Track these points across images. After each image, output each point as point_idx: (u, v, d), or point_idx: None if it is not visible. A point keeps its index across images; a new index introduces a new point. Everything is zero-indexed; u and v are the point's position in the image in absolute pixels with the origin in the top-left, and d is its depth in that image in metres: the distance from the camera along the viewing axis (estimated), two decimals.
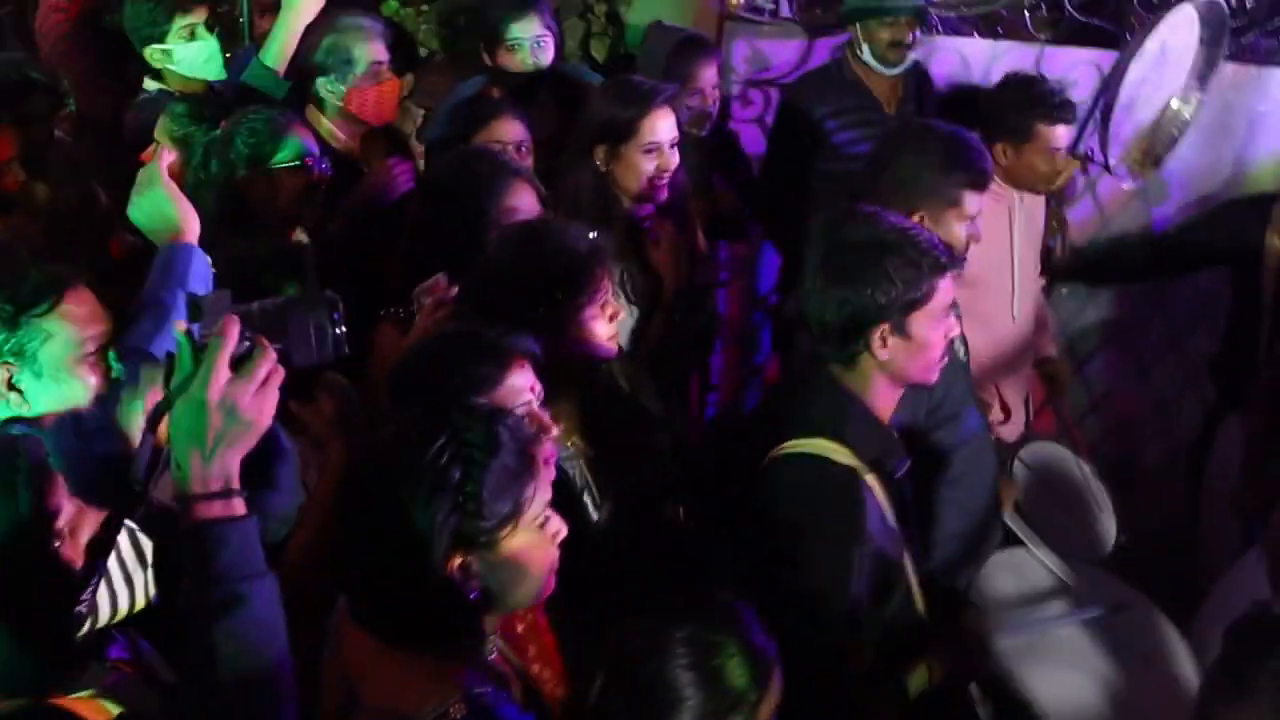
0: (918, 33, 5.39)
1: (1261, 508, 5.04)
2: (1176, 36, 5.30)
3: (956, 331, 3.37)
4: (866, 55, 5.33)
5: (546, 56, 5.15)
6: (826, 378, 3.28)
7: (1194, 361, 6.04)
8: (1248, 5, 6.02)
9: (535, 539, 2.38)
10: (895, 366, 3.23)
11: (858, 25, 5.33)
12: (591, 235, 3.44)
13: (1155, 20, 5.18)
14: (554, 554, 2.44)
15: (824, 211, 4.93)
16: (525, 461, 2.36)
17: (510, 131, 4.54)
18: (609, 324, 3.41)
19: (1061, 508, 4.77)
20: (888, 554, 3.27)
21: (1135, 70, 5.11)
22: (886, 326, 3.18)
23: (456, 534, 2.27)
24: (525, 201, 3.89)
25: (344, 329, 2.38)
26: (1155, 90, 5.41)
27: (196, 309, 2.29)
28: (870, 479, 3.21)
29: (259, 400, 2.22)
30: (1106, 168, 5.42)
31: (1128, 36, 5.86)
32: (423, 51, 5.72)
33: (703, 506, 3.74)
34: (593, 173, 4.23)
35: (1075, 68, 5.96)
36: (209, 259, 3.34)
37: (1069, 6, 5.96)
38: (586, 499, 3.37)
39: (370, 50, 4.77)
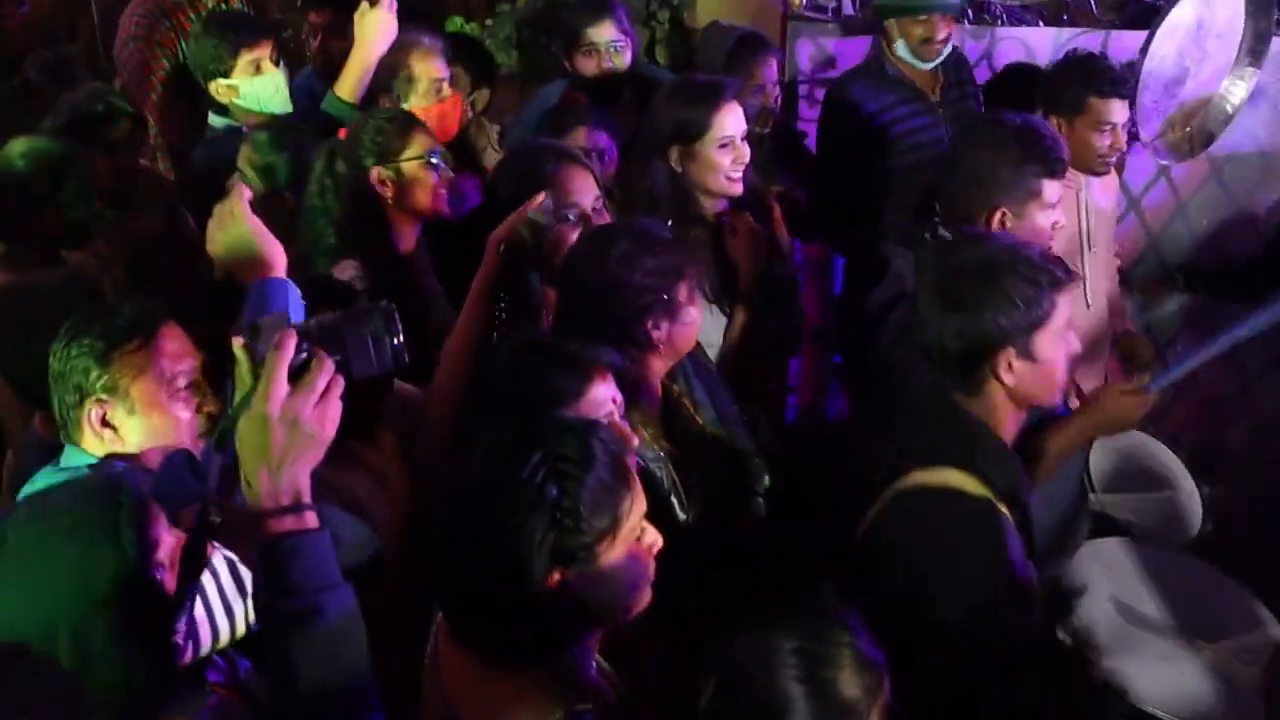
0: (954, 28, 5.33)
1: None
2: (1214, 11, 5.23)
3: (1078, 348, 3.26)
4: (901, 50, 5.30)
5: (624, 60, 5.19)
6: (950, 406, 3.18)
7: (1275, 340, 5.98)
8: None
9: (632, 552, 2.35)
10: (1021, 390, 3.14)
11: (893, 20, 5.31)
12: (672, 230, 3.48)
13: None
14: (651, 566, 2.41)
15: (899, 215, 5.03)
16: (620, 474, 2.33)
17: (593, 139, 4.58)
18: (698, 313, 3.45)
19: (1143, 491, 4.75)
20: (1028, 584, 3.17)
21: (1165, 44, 5.07)
22: (1011, 350, 3.09)
23: (555, 550, 2.23)
24: (584, 188, 3.91)
25: (401, 339, 2.39)
26: (1201, 65, 5.34)
27: (255, 330, 2.32)
28: (1004, 509, 3.11)
29: (321, 411, 2.24)
30: (1137, 138, 5.37)
31: None
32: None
33: (787, 511, 3.74)
34: (667, 174, 4.24)
35: None
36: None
37: None
38: (674, 500, 3.37)
39: (430, 68, 4.79)
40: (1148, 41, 5.13)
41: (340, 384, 2.28)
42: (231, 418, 2.27)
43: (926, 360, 3.21)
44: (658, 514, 2.57)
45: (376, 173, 4.11)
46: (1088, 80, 4.77)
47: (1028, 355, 3.09)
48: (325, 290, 3.45)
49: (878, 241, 4.67)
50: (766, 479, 3.63)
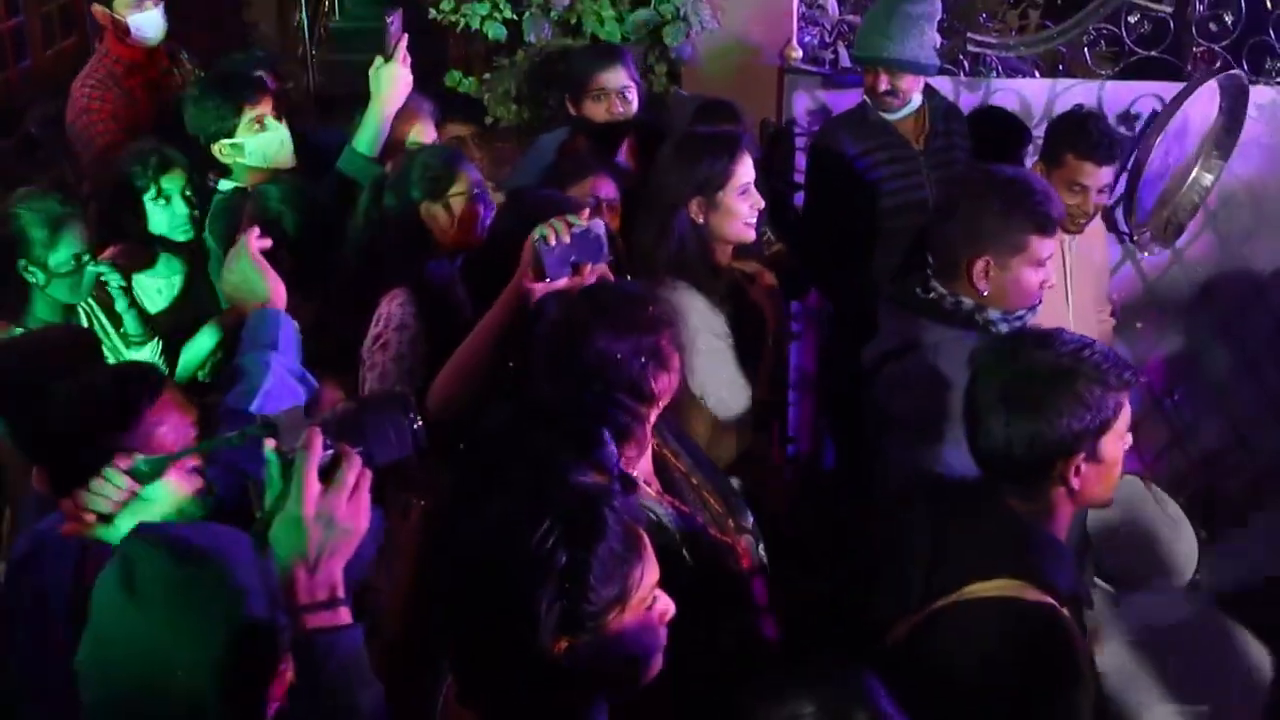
0: (916, 80, 5.31)
1: None
2: (1196, 108, 5.31)
3: (1129, 441, 3.17)
4: (866, 97, 5.36)
5: (632, 108, 5.23)
6: (1006, 509, 3.08)
7: (1272, 389, 6.03)
8: None
9: (643, 620, 2.35)
10: (1084, 492, 3.07)
11: (868, 72, 5.33)
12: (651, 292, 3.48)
13: (1180, 99, 5.20)
14: (662, 634, 2.40)
15: (887, 264, 5.06)
16: (631, 543, 2.32)
17: (603, 188, 4.61)
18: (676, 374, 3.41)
19: (1140, 541, 4.78)
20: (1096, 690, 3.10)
21: (1160, 148, 5.15)
22: (1081, 455, 3.01)
23: (563, 619, 2.23)
24: None
25: (420, 423, 2.44)
26: (1176, 160, 5.41)
27: (273, 427, 2.34)
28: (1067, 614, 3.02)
29: (354, 507, 2.28)
30: (1131, 239, 5.46)
31: (1188, 68, 5.89)
32: (487, 120, 5.82)
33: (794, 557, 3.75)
34: (691, 228, 4.27)
35: (1137, 101, 5.99)
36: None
37: (1128, 41, 5.98)
38: (684, 551, 3.38)
39: (416, 131, 4.93)
40: (1148, 145, 5.19)
41: (368, 476, 2.31)
42: (264, 520, 2.30)
43: (977, 457, 3.13)
44: (669, 566, 2.59)
45: (425, 207, 4.25)
46: (1070, 137, 4.82)
47: (1095, 458, 3.03)
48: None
49: (868, 291, 4.71)
50: (750, 516, 3.63)
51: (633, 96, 5.23)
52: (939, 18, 5.37)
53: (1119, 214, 5.76)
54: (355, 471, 2.29)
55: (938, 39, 5.32)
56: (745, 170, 4.25)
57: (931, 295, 3.88)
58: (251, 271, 3.56)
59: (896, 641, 3.02)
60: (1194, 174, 5.71)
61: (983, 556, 3.01)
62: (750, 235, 4.31)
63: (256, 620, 2.32)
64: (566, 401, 3.26)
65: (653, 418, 3.40)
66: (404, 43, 4.83)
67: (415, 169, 4.29)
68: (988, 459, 3.09)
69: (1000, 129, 5.78)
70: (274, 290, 3.56)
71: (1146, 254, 5.96)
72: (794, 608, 3.57)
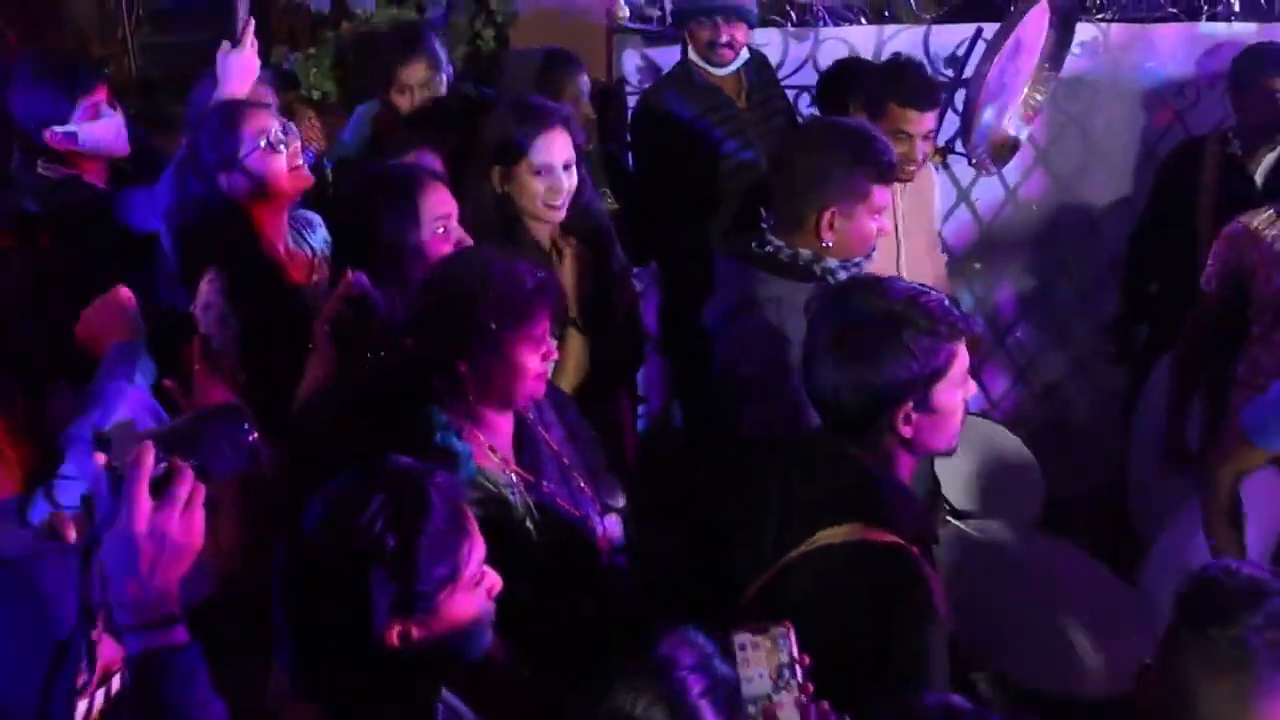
0: (744, 31, 5.34)
1: (1188, 457, 5.18)
2: (1029, 29, 5.35)
3: (974, 391, 3.18)
4: (693, 55, 5.34)
5: (439, 91, 5.15)
6: (845, 457, 3.05)
7: (1107, 320, 6.16)
8: None
9: (473, 597, 2.36)
10: (918, 440, 3.04)
11: (692, 24, 5.32)
12: (540, 273, 3.40)
13: (1014, 18, 5.23)
14: (491, 610, 2.41)
15: (721, 221, 5.07)
16: (458, 520, 2.33)
17: (423, 160, 4.51)
18: (541, 362, 3.33)
19: (987, 476, 4.85)
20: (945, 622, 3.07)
21: (995, 67, 5.18)
22: (910, 404, 2.99)
23: (396, 602, 2.24)
24: (443, 201, 3.87)
25: (255, 434, 2.36)
26: (1013, 78, 5.45)
27: (105, 441, 2.24)
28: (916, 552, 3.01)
29: (187, 522, 2.19)
30: (970, 160, 5.50)
31: (1012, 8, 5.95)
32: (315, 95, 5.72)
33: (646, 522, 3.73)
34: (492, 194, 4.23)
35: (964, 43, 6.05)
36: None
37: None
38: (529, 524, 3.36)
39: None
40: (983, 72, 5.22)
41: (202, 491, 2.23)
42: (94, 536, 2.20)
43: (814, 406, 3.12)
44: (513, 540, 2.56)
45: (225, 180, 4.03)
46: (890, 86, 4.83)
47: (926, 407, 3.00)
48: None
49: (701, 252, 4.71)
50: (621, 497, 3.62)
51: (439, 83, 5.14)
52: None
53: (957, 142, 5.86)
54: (187, 486, 2.20)
55: None
56: (546, 149, 4.18)
57: (769, 249, 3.89)
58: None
59: (750, 600, 3.00)
60: (1026, 90, 5.74)
61: (828, 505, 2.99)
62: (552, 215, 4.24)
63: (63, 637, 2.24)
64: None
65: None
66: (251, 28, 4.70)
67: (200, 144, 4.09)
68: (821, 407, 3.09)
69: (838, 74, 5.82)
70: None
71: (984, 174, 5.99)
72: (658, 579, 3.57)
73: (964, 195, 6.24)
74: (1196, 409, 5.22)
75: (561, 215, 4.25)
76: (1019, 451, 5.06)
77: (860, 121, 4.23)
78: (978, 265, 6.32)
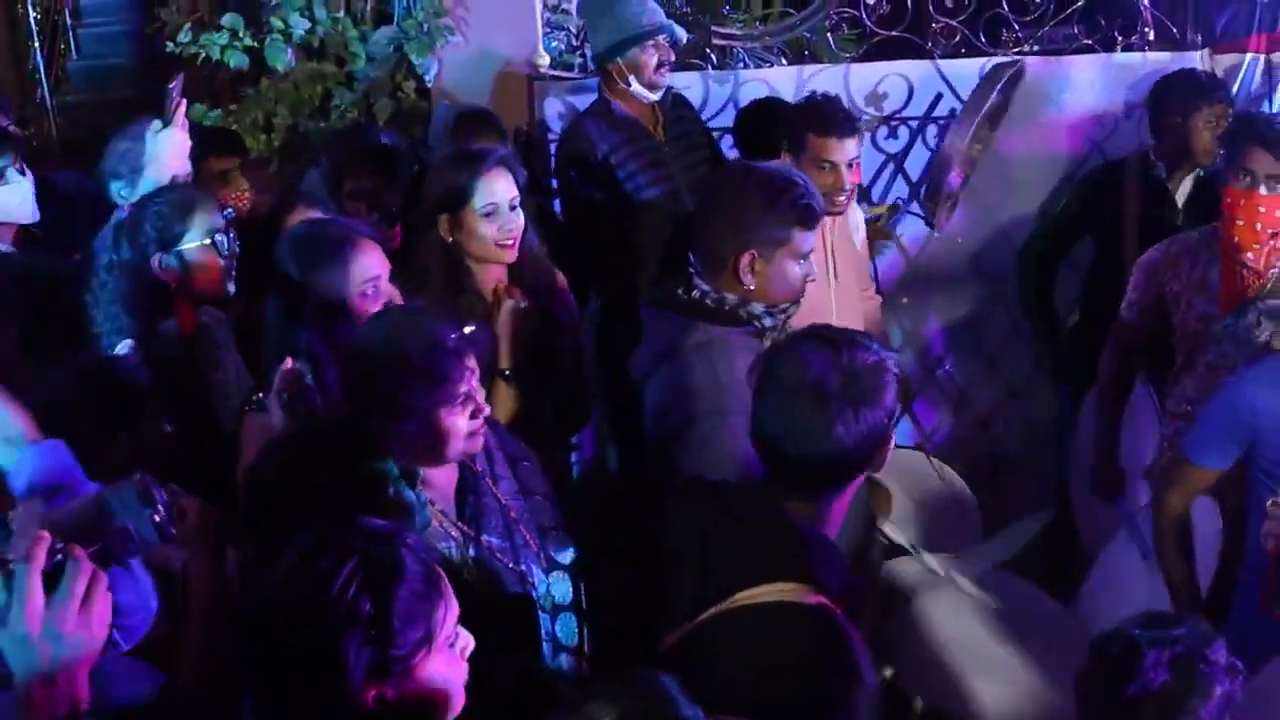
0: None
1: (1119, 485, 5.23)
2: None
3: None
4: (635, 87, 5.37)
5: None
6: (775, 511, 3.01)
7: (1035, 349, 6.21)
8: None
9: (448, 659, 2.33)
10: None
11: (619, 60, 5.36)
12: (467, 329, 3.35)
13: (985, 92, 5.28)
14: (464, 670, 2.39)
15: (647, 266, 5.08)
16: (432, 582, 2.30)
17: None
18: (471, 420, 3.29)
19: (924, 511, 4.87)
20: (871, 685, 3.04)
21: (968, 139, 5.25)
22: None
23: (371, 666, 2.20)
24: (378, 262, 3.89)
25: (163, 511, 2.30)
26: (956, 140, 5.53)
27: (4, 528, 2.19)
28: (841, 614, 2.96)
29: (85, 617, 2.13)
30: (930, 224, 5.58)
31: (929, 45, 6.01)
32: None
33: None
34: (439, 245, 4.22)
35: (882, 81, 6.11)
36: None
37: (868, 22, 6.08)
38: (466, 578, 3.31)
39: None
40: (947, 155, 5.31)
41: (102, 580, 2.17)
42: None
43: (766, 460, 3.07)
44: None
45: (158, 260, 4.06)
46: (806, 120, 4.86)
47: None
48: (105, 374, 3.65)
49: (631, 291, 4.72)
50: (569, 552, 3.60)
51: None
52: None
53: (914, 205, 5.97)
54: (84, 580, 2.13)
55: None
56: (491, 189, 4.19)
57: (695, 294, 3.89)
58: None
59: (670, 649, 2.96)
60: (967, 146, 5.81)
61: (756, 560, 2.94)
62: (505, 255, 4.25)
63: None
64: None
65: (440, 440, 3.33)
66: (183, 108, 4.68)
67: (148, 218, 4.12)
68: (778, 462, 3.03)
69: (755, 114, 5.86)
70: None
71: (937, 231, 6.07)
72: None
73: (887, 232, 6.28)
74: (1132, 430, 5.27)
75: (514, 255, 4.26)
76: (953, 484, 5.09)
77: (782, 166, 4.24)
78: (905, 300, 6.35)
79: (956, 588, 4.40)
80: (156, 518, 2.29)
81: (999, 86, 5.37)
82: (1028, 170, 6.23)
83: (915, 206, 5.98)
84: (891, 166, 6.23)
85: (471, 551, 3.34)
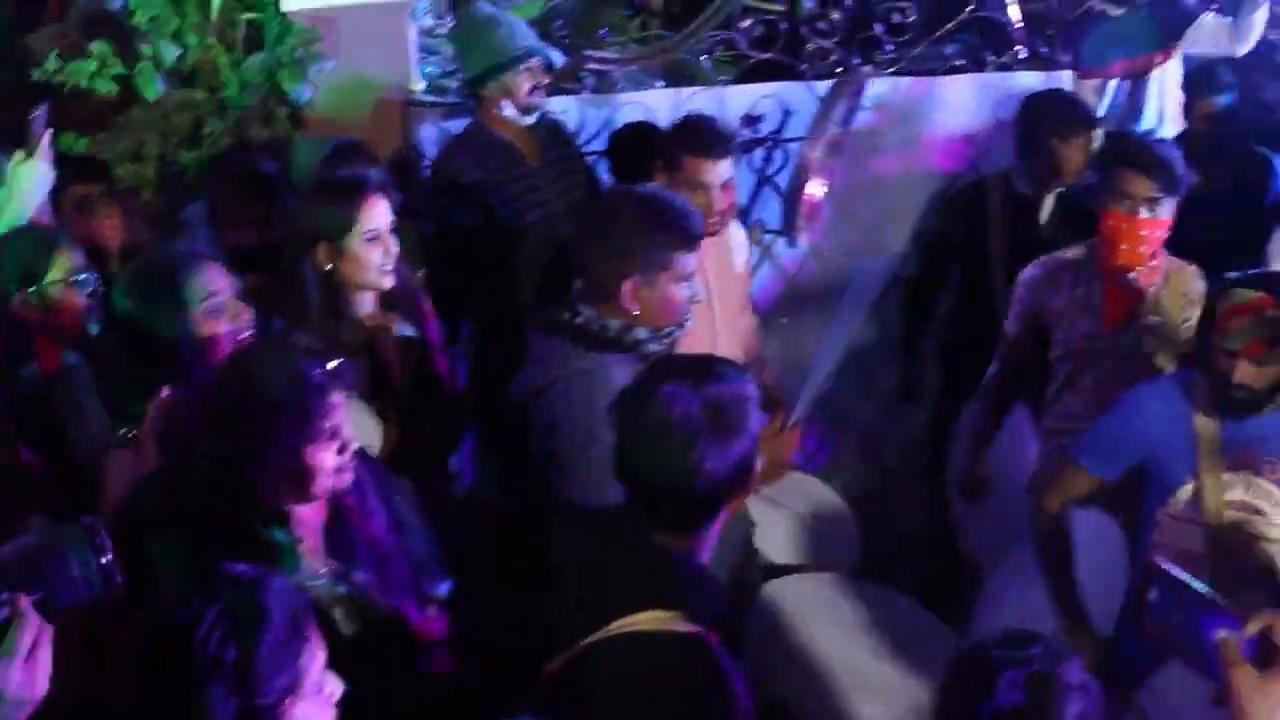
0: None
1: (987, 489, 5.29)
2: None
3: None
4: (509, 112, 5.35)
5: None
6: (648, 540, 2.99)
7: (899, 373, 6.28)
8: (909, 20, 6.32)
9: (316, 706, 2.32)
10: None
11: (492, 85, 5.35)
12: (331, 364, 3.29)
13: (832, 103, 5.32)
14: (333, 715, 2.38)
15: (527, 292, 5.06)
16: (297, 628, 2.29)
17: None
18: (338, 456, 3.26)
19: (804, 528, 4.91)
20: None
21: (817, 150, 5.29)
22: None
23: (237, 715, 2.19)
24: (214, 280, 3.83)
25: (110, 556, 2.21)
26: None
27: None
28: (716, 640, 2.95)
29: (29, 673, 2.06)
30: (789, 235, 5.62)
31: (802, 67, 6.06)
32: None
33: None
34: (317, 274, 4.17)
35: (758, 103, 6.15)
36: None
37: (743, 45, 6.12)
38: (336, 616, 3.30)
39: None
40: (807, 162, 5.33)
41: (48, 634, 2.09)
42: None
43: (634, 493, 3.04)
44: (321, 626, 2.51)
45: (20, 298, 3.99)
46: (680, 140, 4.88)
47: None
48: None
49: (506, 315, 4.70)
50: (443, 584, 3.57)
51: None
52: None
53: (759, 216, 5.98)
54: (30, 635, 2.06)
55: None
56: (373, 215, 4.17)
57: (578, 320, 3.88)
58: None
59: (551, 678, 2.94)
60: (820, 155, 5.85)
61: (630, 589, 2.94)
62: (384, 283, 4.23)
63: None
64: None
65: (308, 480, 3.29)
66: (48, 139, 4.61)
67: (8, 257, 4.05)
68: (648, 500, 3.01)
69: (627, 138, 5.87)
70: None
71: (793, 245, 6.10)
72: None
73: (766, 250, 6.32)
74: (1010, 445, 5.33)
75: (393, 280, 4.23)
76: (833, 502, 5.14)
77: (660, 190, 4.24)
78: (784, 320, 6.37)
79: (837, 607, 4.45)
80: (103, 560, 2.20)
81: (843, 101, 5.40)
82: (905, 190, 6.29)
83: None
84: (768, 188, 6.25)
85: (342, 589, 3.32)
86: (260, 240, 4.83)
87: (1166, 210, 4.67)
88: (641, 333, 3.85)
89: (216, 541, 2.96)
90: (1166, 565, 2.43)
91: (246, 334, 3.79)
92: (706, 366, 3.04)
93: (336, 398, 3.24)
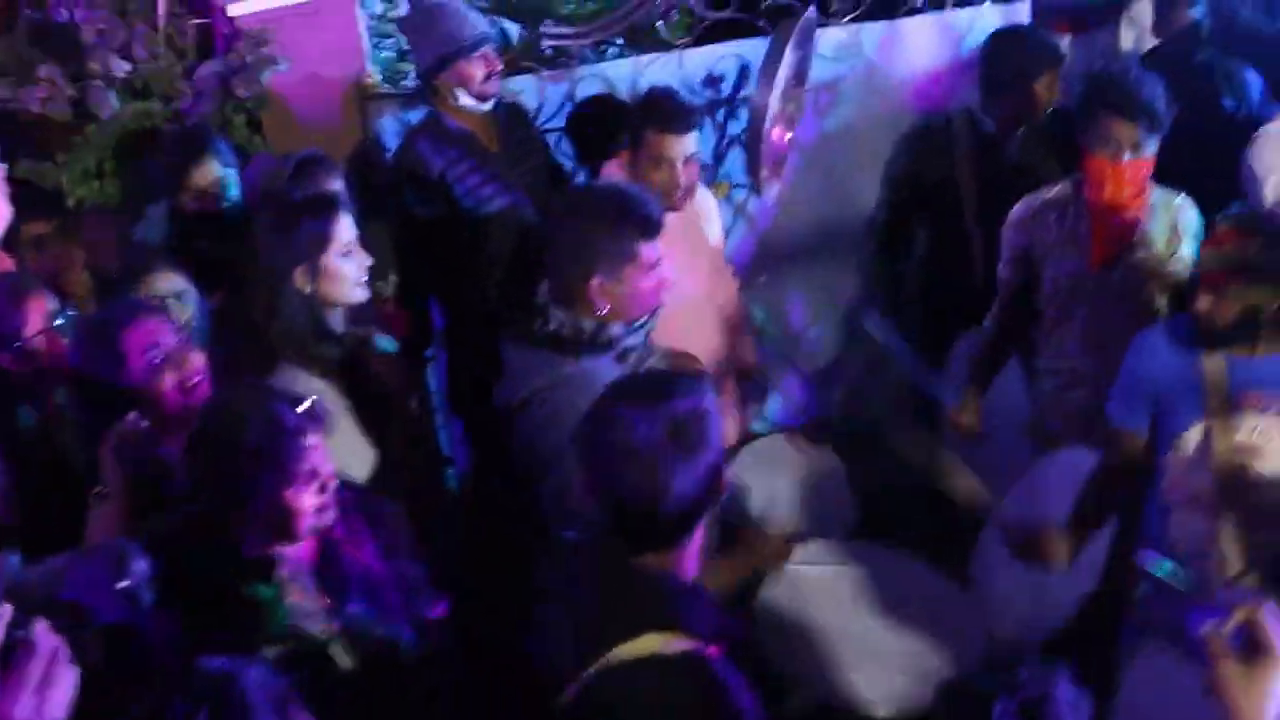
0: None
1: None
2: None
3: None
4: (465, 100, 5.30)
5: (233, 193, 5.04)
6: (633, 565, 2.98)
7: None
8: None
9: None
10: None
11: (445, 75, 5.29)
12: (305, 404, 3.30)
13: (779, 44, 5.26)
14: None
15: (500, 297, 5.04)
16: (282, 712, 2.30)
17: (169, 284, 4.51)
18: (318, 495, 3.27)
19: (799, 494, 4.91)
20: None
21: (774, 95, 5.22)
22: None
23: None
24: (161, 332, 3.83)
25: (128, 582, 2.21)
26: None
27: None
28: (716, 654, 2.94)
29: (40, 697, 2.04)
30: (755, 188, 5.57)
31: (760, 23, 5.98)
32: (70, 203, 5.53)
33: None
34: (298, 298, 4.14)
35: (717, 63, 6.09)
36: None
37: (699, 8, 6.05)
38: (333, 651, 3.31)
39: None
40: (760, 108, 5.25)
41: (64, 665, 2.07)
42: None
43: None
44: (319, 670, 2.50)
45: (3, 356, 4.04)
46: (645, 116, 4.84)
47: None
48: None
49: (477, 305, 4.68)
50: (439, 605, 3.58)
51: (231, 181, 5.04)
52: None
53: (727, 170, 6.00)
54: (42, 661, 2.04)
55: None
56: (344, 229, 4.17)
57: (552, 327, 3.86)
58: None
59: (561, 712, 2.96)
60: (780, 106, 5.79)
61: (622, 615, 2.93)
62: (359, 295, 4.23)
63: None
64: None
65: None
66: (2, 173, 4.56)
67: None
68: (624, 524, 2.98)
69: (589, 112, 5.84)
70: None
71: (764, 198, 6.06)
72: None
73: (738, 210, 6.28)
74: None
75: (365, 293, 4.25)
76: (826, 462, 5.12)
77: (614, 182, 4.21)
78: (763, 279, 6.34)
79: (840, 576, 4.46)
80: (126, 583, 2.18)
81: (792, 40, 5.34)
82: (873, 138, 6.22)
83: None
84: (735, 148, 6.19)
85: (336, 624, 3.33)
86: (223, 253, 4.76)
87: (1150, 149, 4.67)
88: (617, 329, 3.86)
89: (201, 611, 2.94)
90: (1151, 563, 2.43)
91: (196, 380, 3.80)
92: (662, 385, 3.02)
93: (313, 438, 3.25)
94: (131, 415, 3.71)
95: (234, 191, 5.05)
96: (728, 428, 4.85)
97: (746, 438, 5.22)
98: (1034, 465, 4.81)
